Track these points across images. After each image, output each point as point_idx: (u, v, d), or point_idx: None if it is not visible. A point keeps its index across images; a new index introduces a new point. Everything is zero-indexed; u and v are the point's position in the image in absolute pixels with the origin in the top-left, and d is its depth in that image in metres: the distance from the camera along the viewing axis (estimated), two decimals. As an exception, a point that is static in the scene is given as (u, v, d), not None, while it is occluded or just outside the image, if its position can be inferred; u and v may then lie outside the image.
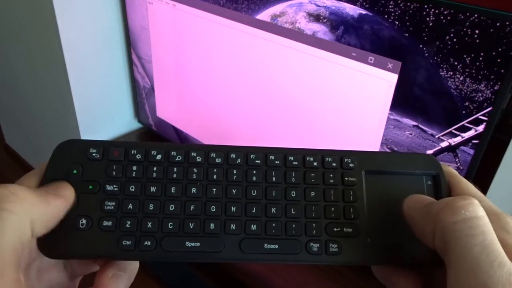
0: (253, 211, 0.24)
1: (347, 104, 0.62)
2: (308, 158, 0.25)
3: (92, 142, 0.25)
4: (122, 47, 1.01)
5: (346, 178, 0.25)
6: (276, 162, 0.25)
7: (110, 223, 0.23)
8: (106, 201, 0.24)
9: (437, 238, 0.20)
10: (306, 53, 0.64)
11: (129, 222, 0.23)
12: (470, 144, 0.52)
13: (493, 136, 0.51)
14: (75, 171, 0.24)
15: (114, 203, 0.24)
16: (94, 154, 0.24)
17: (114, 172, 0.24)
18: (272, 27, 0.67)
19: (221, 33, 0.75)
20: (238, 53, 0.74)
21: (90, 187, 0.24)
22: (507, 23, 0.45)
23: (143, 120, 1.09)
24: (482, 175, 0.55)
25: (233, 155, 0.25)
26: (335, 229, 0.24)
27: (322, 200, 0.24)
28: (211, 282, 0.89)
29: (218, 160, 0.25)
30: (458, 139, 0.53)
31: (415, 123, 0.56)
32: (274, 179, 0.25)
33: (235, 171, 0.25)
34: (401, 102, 0.56)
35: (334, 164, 0.25)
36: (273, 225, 0.24)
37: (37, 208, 0.21)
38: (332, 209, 0.24)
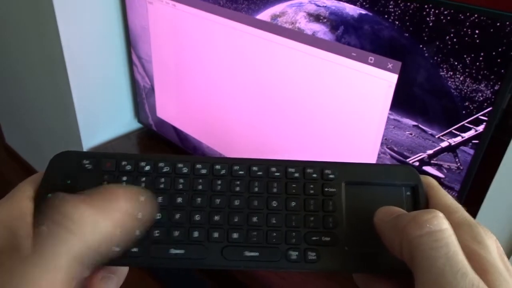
0: (236, 220, 0.25)
1: (347, 104, 0.62)
2: (289, 169, 0.26)
3: (85, 153, 0.26)
4: (122, 47, 1.02)
5: (326, 189, 0.26)
6: (259, 173, 0.26)
7: None
8: None
9: (404, 250, 0.21)
10: (306, 53, 0.64)
11: None
12: (470, 144, 0.52)
13: (493, 136, 0.51)
14: (68, 181, 0.25)
15: None
16: (86, 165, 0.25)
17: (105, 182, 0.25)
18: (272, 27, 0.67)
19: (221, 33, 0.76)
20: (238, 53, 0.74)
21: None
22: (507, 23, 0.45)
23: (143, 120, 1.09)
24: (482, 175, 0.55)
25: (218, 166, 0.26)
26: (313, 238, 0.25)
27: (302, 210, 0.25)
28: (210, 281, 0.89)
29: (203, 171, 0.26)
30: (458, 139, 0.53)
31: (415, 123, 0.56)
32: (256, 189, 0.26)
33: (219, 182, 0.26)
34: (401, 102, 0.56)
35: (314, 175, 0.26)
36: (254, 233, 0.25)
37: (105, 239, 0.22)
38: (312, 218, 0.25)
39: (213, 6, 0.74)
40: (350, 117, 0.63)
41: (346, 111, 0.63)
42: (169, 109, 0.99)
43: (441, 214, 0.21)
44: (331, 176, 0.26)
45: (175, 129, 1.00)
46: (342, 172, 0.26)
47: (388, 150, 0.61)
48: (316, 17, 0.61)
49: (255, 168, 0.26)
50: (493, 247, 0.21)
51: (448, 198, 0.24)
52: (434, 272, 0.19)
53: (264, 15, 0.67)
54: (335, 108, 0.64)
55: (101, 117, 1.06)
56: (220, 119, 0.86)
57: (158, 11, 0.86)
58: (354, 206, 0.26)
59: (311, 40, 0.62)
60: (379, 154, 0.62)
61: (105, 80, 1.02)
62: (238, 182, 0.26)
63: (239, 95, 0.79)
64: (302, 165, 0.26)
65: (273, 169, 0.26)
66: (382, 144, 0.61)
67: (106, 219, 0.21)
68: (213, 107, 0.86)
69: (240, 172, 0.26)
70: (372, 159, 0.63)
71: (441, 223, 0.20)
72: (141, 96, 1.04)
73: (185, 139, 0.98)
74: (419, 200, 0.25)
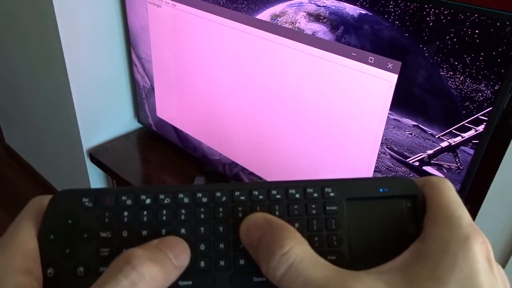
0: (242, 246, 0.25)
1: (347, 104, 0.62)
2: (290, 191, 0.26)
3: (85, 191, 0.26)
4: (122, 47, 1.02)
5: (327, 208, 0.26)
6: (260, 197, 0.26)
7: (106, 268, 0.24)
8: (101, 248, 0.25)
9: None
10: (306, 53, 0.64)
11: None
12: (470, 144, 0.52)
13: (493, 136, 0.51)
14: (70, 221, 0.25)
15: (108, 249, 0.24)
16: (86, 203, 0.25)
17: (106, 219, 0.25)
18: (272, 27, 0.67)
19: (221, 33, 0.76)
20: (238, 53, 0.74)
21: (85, 235, 0.25)
22: (507, 23, 0.45)
23: (143, 120, 1.09)
24: (482, 175, 0.55)
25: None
26: None
27: (306, 231, 0.25)
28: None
29: (204, 200, 0.26)
30: (458, 139, 0.53)
31: (415, 123, 0.56)
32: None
33: (221, 209, 0.25)
34: (401, 102, 0.56)
35: (315, 195, 0.26)
36: None
37: None
38: (316, 238, 0.25)
39: (213, 6, 0.74)
40: (350, 117, 0.63)
41: (346, 111, 0.63)
42: (169, 109, 0.99)
43: (285, 250, 0.21)
44: (332, 194, 0.26)
45: (175, 129, 1.00)
46: (342, 189, 0.26)
47: (388, 150, 0.60)
48: (316, 17, 0.61)
49: (255, 192, 0.26)
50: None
51: (450, 204, 0.23)
52: None
53: (264, 15, 0.67)
54: (335, 108, 0.64)
55: (101, 117, 1.06)
56: (220, 119, 0.86)
57: (158, 11, 0.86)
58: (357, 222, 0.26)
59: (311, 40, 0.62)
60: (379, 154, 0.62)
61: (105, 80, 1.02)
62: (240, 209, 0.25)
63: (239, 94, 0.79)
64: (302, 185, 0.26)
65: (274, 192, 0.26)
66: (382, 144, 0.61)
67: (163, 273, 0.22)
68: (213, 107, 0.86)
69: (241, 198, 0.26)
70: (372, 159, 0.63)
71: (289, 257, 0.21)
72: (141, 96, 1.04)
73: (185, 139, 0.98)
74: (419, 210, 0.25)
